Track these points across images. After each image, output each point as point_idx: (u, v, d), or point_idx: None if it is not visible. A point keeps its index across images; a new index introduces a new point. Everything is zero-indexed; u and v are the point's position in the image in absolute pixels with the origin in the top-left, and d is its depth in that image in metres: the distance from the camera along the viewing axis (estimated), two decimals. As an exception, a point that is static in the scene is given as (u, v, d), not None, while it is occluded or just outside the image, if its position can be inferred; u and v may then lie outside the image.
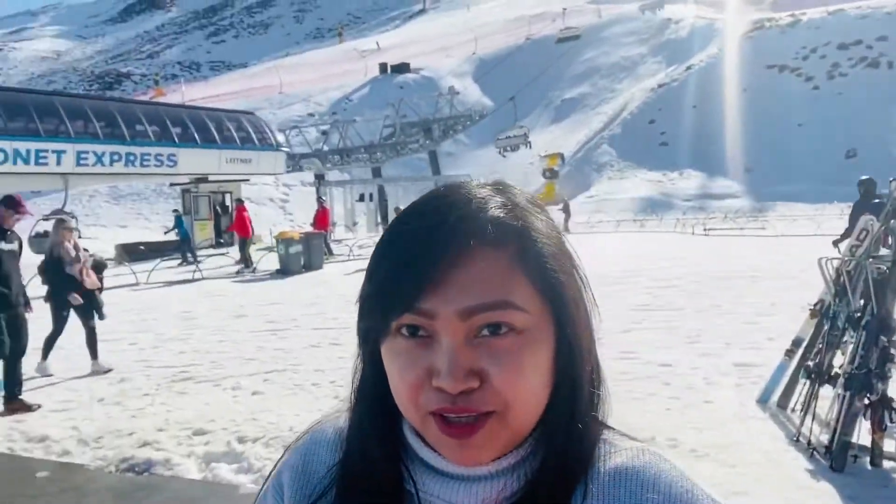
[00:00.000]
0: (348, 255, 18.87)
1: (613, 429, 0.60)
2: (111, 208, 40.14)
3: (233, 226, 19.53)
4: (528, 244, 0.53)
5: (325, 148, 34.59)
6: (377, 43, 77.07)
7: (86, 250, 6.53)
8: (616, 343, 6.20)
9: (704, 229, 23.57)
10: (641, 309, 8.37)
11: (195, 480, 3.72)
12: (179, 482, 3.70)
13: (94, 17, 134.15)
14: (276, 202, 41.39)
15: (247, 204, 19.18)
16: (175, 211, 21.84)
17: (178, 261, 18.97)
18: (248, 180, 28.24)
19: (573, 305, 0.54)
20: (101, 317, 6.50)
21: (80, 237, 7.66)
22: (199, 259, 18.09)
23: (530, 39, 69.45)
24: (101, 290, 6.65)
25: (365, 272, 0.55)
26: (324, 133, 37.87)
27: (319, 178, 31.98)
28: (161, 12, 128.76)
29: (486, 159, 52.39)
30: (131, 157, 22.87)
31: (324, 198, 22.34)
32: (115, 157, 22.51)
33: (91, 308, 6.32)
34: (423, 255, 0.50)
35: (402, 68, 63.92)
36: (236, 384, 5.62)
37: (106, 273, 7.38)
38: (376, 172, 35.08)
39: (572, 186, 44.75)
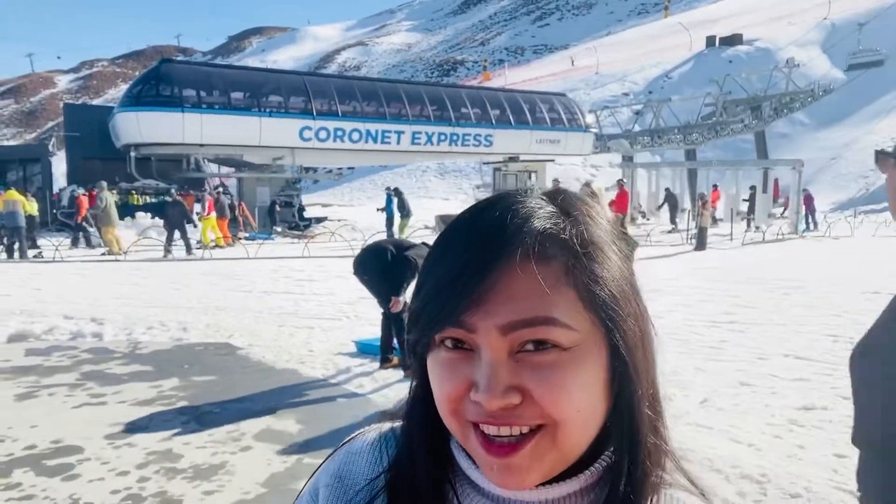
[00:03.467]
0: (645, 241, 18.29)
1: (682, 469, 0.58)
2: (438, 182, 45.19)
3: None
4: (578, 258, 0.50)
5: (637, 128, 33.64)
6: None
7: None
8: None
9: None
10: None
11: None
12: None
13: (439, 11, 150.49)
14: (582, 183, 41.75)
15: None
16: (388, 189, 21.84)
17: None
18: (553, 160, 29.08)
19: (628, 325, 0.51)
20: None
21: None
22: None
23: (905, -5, 57.02)
24: None
25: (416, 282, 0.56)
26: (636, 113, 36.78)
27: (626, 159, 31.31)
28: (496, 1, 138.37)
29: (831, 142, 45.11)
30: (455, 138, 25.45)
31: (625, 180, 21.92)
32: (442, 138, 25.32)
33: None
34: (466, 268, 0.49)
35: (732, 40, 58.36)
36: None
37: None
38: (690, 155, 32.95)
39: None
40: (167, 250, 15.07)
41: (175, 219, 15.54)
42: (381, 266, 5.33)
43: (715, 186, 24.26)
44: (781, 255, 15.59)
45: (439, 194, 42.48)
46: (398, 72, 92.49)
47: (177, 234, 15.46)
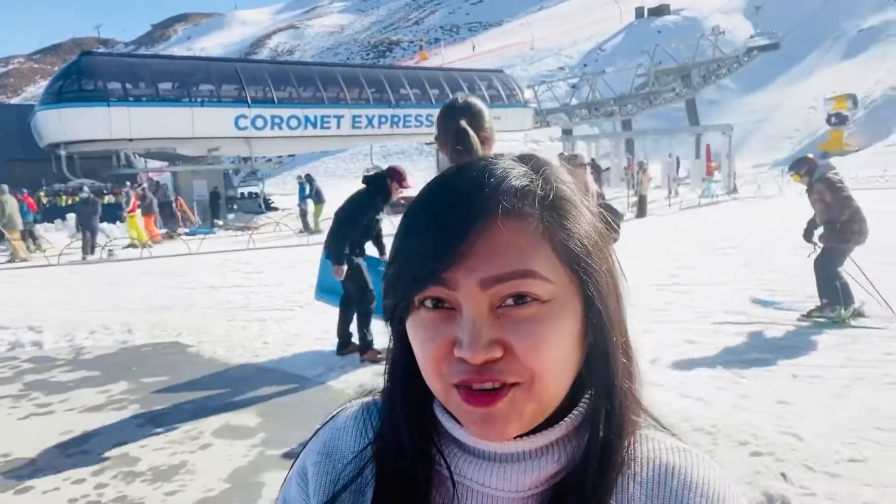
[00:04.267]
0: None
1: (652, 416, 0.60)
2: (381, 165, 44.82)
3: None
4: (553, 214, 0.52)
5: (574, 102, 34.14)
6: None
7: None
8: None
9: None
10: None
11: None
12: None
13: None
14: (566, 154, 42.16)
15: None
16: (299, 178, 21.23)
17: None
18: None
19: (601, 277, 0.53)
20: None
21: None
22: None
23: (820, -39, 59.42)
24: None
25: (390, 249, 0.56)
26: (573, 87, 37.30)
27: (566, 133, 31.78)
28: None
29: (757, 105, 46.82)
30: (395, 119, 25.26)
31: (565, 153, 22.28)
32: (383, 120, 25.08)
33: None
34: (443, 227, 0.50)
35: (660, 11, 59.77)
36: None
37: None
38: (626, 125, 33.69)
39: (867, 134, 37.97)
40: (84, 251, 14.58)
41: (86, 218, 14.95)
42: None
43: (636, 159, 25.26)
44: (717, 216, 16.22)
45: (383, 177, 42.08)
46: (333, 55, 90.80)
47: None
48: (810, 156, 6.06)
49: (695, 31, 48.06)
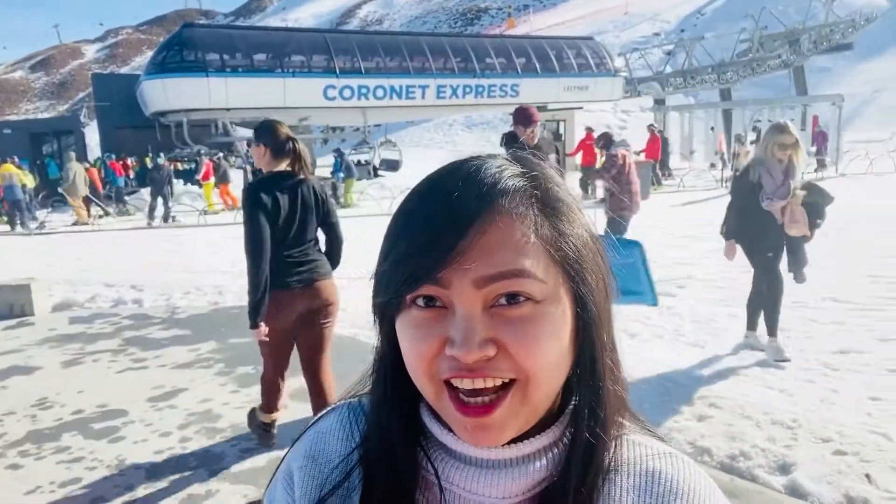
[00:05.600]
0: (678, 186, 17.89)
1: (638, 419, 0.60)
2: (466, 136, 44.71)
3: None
4: (547, 215, 0.52)
5: (668, 70, 32.55)
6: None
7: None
8: None
9: None
10: None
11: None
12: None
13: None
14: (614, 129, 40.90)
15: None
16: (335, 152, 21.34)
17: None
18: (581, 108, 28.41)
19: (592, 279, 0.53)
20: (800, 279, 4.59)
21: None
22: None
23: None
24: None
25: (381, 247, 0.55)
26: (668, 54, 35.53)
27: (658, 102, 30.42)
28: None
29: (874, 74, 42.98)
30: (480, 89, 24.99)
31: (656, 125, 21.36)
32: (468, 90, 24.89)
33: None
34: (437, 225, 0.50)
35: (769, -29, 55.49)
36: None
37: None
38: (725, 94, 31.81)
39: None
40: (150, 217, 15.38)
41: (158, 185, 15.66)
42: None
43: (712, 128, 23.88)
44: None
45: (467, 148, 42.07)
46: (421, 24, 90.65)
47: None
48: None
49: (807, -8, 44.45)
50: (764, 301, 4.47)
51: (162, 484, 3.09)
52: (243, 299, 7.09)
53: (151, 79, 20.81)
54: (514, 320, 0.49)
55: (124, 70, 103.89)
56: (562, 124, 27.06)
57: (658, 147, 18.69)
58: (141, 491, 3.03)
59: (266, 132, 3.00)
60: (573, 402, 0.56)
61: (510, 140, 4.79)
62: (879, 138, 32.21)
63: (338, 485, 0.58)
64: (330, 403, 2.95)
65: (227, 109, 21.40)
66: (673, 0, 56.74)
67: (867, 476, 2.79)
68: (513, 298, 0.49)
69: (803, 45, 32.52)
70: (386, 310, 0.54)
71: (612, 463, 0.55)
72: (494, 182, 0.51)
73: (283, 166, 3.01)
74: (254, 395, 4.21)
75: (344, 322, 5.90)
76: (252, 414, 3.50)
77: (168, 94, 20.44)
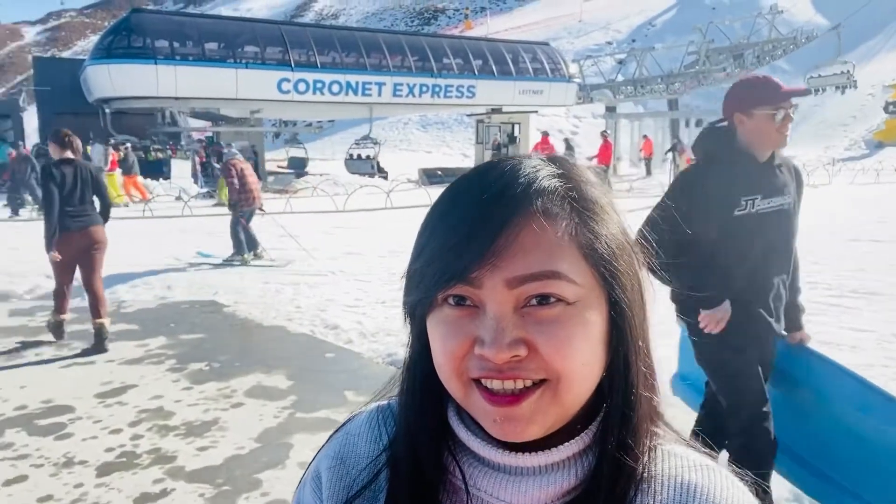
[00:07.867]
0: (628, 192, 18.35)
1: (672, 430, 0.59)
2: (421, 135, 44.69)
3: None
4: (581, 215, 0.51)
5: (619, 78, 33.32)
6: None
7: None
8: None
9: None
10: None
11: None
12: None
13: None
14: (565, 134, 41.62)
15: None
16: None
17: None
18: (536, 111, 28.79)
19: (626, 282, 0.53)
20: None
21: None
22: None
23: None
24: None
25: (414, 246, 0.55)
26: (620, 62, 36.38)
27: (609, 110, 31.12)
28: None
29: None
30: (437, 89, 25.02)
31: (608, 131, 21.85)
32: (424, 89, 24.87)
33: None
34: (470, 225, 0.50)
35: (716, -14, 57.45)
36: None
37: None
38: (672, 104, 32.77)
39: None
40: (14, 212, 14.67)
41: (20, 176, 15.00)
42: None
43: (645, 136, 25.56)
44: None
45: (422, 147, 42.08)
46: (377, 20, 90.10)
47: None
48: None
49: (751, 8, 46.16)
50: None
51: (114, 482, 2.98)
52: (193, 294, 6.98)
53: (97, 64, 20.02)
54: (545, 321, 0.49)
55: (66, 54, 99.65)
56: (517, 127, 27.35)
57: (610, 153, 19.14)
58: (92, 490, 2.92)
59: (55, 134, 4.95)
60: (604, 408, 0.54)
61: None
62: (816, 152, 33.76)
63: (365, 486, 0.58)
64: (100, 302, 4.25)
65: (176, 98, 20.78)
66: (625, 10, 58.13)
67: None
68: (544, 299, 0.49)
69: (747, 59, 33.79)
70: (417, 308, 0.54)
71: (646, 474, 0.53)
72: (529, 183, 0.51)
73: (67, 154, 4.86)
74: (208, 392, 4.12)
75: (303, 321, 5.85)
76: (50, 317, 5.15)
77: (114, 81, 19.71)
